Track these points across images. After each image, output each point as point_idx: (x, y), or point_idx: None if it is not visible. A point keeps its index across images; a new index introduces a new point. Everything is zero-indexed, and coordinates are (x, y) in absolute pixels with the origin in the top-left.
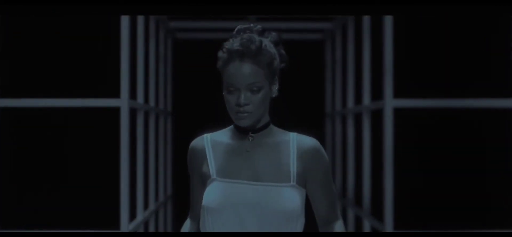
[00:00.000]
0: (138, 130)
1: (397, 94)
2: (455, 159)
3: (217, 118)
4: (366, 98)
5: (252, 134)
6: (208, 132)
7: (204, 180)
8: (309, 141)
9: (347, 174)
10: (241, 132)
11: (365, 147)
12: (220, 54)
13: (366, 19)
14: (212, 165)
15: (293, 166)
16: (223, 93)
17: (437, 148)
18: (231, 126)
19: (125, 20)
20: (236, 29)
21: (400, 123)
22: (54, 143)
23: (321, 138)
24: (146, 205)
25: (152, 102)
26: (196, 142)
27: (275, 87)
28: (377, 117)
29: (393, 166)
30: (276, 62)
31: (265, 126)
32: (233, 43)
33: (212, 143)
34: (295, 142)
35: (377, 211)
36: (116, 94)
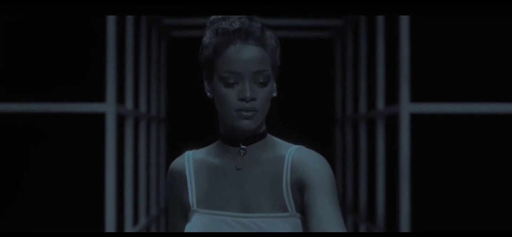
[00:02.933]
0: (126, 138)
1: (414, 98)
2: (478, 169)
3: (216, 126)
4: (380, 103)
5: (243, 147)
6: (199, 145)
7: (185, 211)
8: (306, 152)
9: (359, 186)
10: (231, 145)
11: (379, 156)
12: (209, 39)
13: (380, 16)
14: (192, 192)
15: (288, 189)
16: (209, 92)
17: (458, 157)
18: (217, 142)
19: (112, 17)
20: (211, 19)
21: (417, 130)
22: (32, 153)
23: (330, 146)
24: (136, 220)
25: (143, 108)
26: (175, 163)
27: (275, 85)
28: (392, 123)
29: (410, 177)
30: (279, 51)
31: (261, 136)
32: (230, 23)
33: (195, 163)
34: (290, 157)
35: (391, 227)
36: (101, 98)
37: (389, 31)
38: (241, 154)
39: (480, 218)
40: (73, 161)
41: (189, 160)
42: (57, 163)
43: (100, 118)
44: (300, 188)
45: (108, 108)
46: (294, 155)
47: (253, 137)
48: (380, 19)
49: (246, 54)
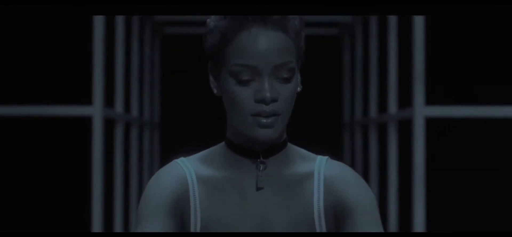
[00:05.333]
0: (116, 144)
1: (429, 100)
2: (500, 177)
3: (215, 131)
4: (392, 106)
5: (264, 160)
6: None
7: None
8: (339, 167)
9: None
10: (246, 157)
11: (391, 164)
12: (216, 21)
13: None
14: (196, 220)
15: (321, 215)
16: (216, 88)
17: (477, 164)
18: (219, 147)
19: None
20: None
21: (432, 135)
22: (15, 160)
23: (338, 153)
24: (126, 231)
25: (134, 112)
26: (171, 176)
27: (299, 76)
28: (405, 128)
29: (425, 187)
30: (303, 35)
31: (282, 146)
32: None
33: (200, 179)
34: (321, 174)
35: None
36: (89, 101)
37: (402, 27)
38: (261, 169)
39: (499, 229)
40: (59, 168)
41: (191, 174)
42: (42, 169)
43: (87, 122)
44: (337, 214)
45: (95, 111)
46: (326, 172)
47: (274, 148)
48: (392, 16)
49: (265, 42)
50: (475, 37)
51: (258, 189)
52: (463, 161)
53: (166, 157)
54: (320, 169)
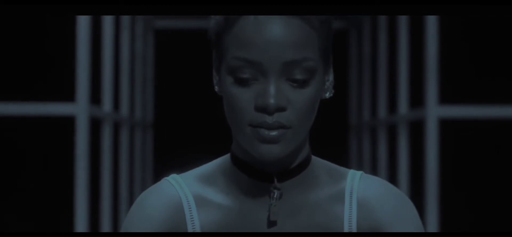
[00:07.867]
0: (103, 147)
1: (443, 100)
2: None
3: (215, 132)
4: (403, 106)
5: (277, 186)
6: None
7: None
8: (377, 188)
9: None
10: (255, 179)
11: (401, 168)
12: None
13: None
14: None
15: None
16: (217, 85)
17: (495, 169)
18: (223, 162)
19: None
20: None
21: (446, 137)
22: None
23: (345, 157)
24: None
25: (124, 111)
26: (159, 198)
27: (330, 78)
28: (416, 129)
29: (438, 193)
30: (331, 24)
31: (304, 165)
32: None
33: (198, 201)
34: (354, 194)
35: None
36: (72, 98)
37: (414, 21)
38: (275, 196)
39: None
40: (39, 174)
41: (187, 195)
42: (19, 176)
43: (70, 122)
44: None
45: (79, 109)
46: (359, 190)
47: (292, 169)
48: None
49: (274, 31)
50: (495, 28)
51: (270, 223)
52: (480, 166)
53: (159, 162)
54: (352, 188)
